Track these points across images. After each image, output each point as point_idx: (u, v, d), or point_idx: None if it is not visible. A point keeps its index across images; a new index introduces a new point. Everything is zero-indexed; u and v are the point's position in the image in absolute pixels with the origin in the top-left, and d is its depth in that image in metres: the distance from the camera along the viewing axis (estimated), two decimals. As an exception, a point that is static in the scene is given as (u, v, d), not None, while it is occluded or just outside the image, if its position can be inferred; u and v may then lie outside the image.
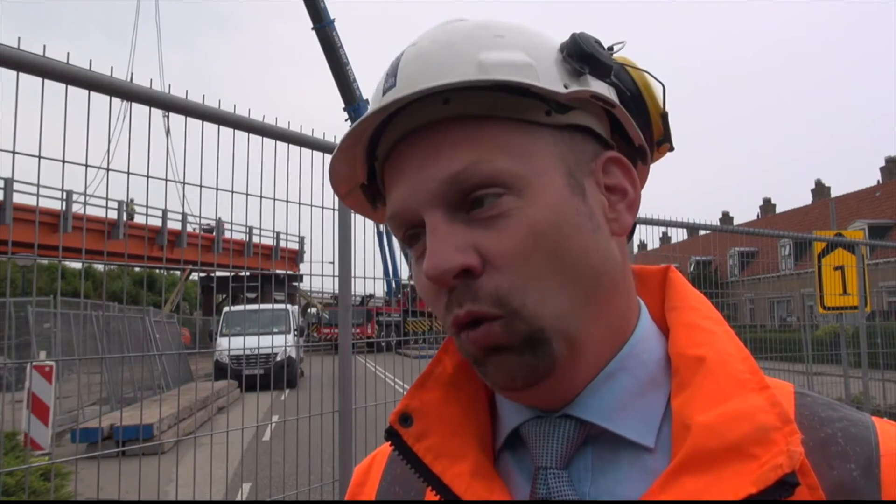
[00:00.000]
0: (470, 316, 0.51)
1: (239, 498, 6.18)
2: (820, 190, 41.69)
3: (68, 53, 2.02)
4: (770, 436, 0.47)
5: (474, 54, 0.51)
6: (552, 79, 0.52)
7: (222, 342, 10.60)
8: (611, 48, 0.59)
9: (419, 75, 0.52)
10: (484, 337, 0.51)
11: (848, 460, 0.49)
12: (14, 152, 1.97)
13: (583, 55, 0.53)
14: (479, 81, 0.49)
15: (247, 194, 2.63)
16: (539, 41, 0.55)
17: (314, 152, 2.82)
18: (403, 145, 0.53)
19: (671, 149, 0.63)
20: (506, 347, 0.51)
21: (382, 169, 0.56)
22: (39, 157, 2.01)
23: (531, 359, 0.50)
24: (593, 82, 0.54)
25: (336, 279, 3.01)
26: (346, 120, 25.21)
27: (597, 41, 0.55)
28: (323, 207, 2.92)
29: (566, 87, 0.52)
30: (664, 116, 0.59)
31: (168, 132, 2.67)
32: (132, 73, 2.19)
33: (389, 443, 0.58)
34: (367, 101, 25.67)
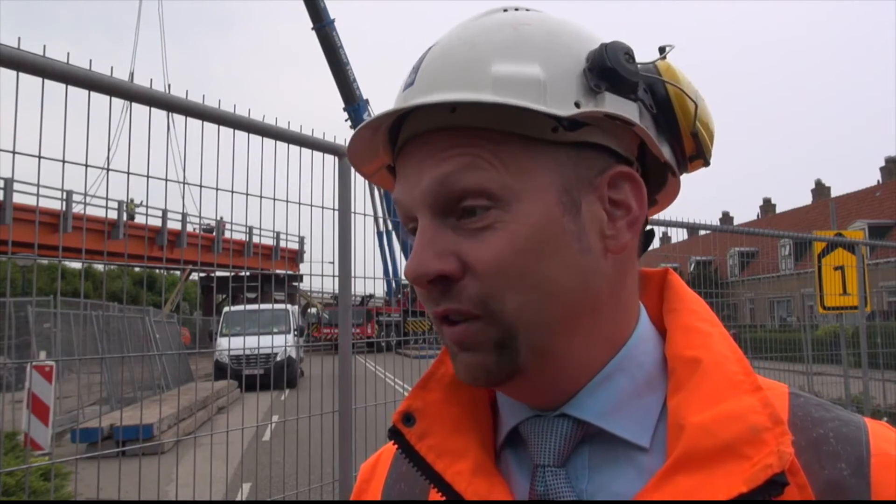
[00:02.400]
0: (447, 312, 0.53)
1: (239, 498, 6.18)
2: (820, 190, 41.67)
3: (68, 53, 2.02)
4: (761, 436, 0.48)
5: (488, 64, 0.52)
6: (564, 96, 0.52)
7: (222, 342, 10.61)
8: (662, 49, 0.59)
9: (434, 79, 0.54)
10: (461, 334, 0.53)
11: (839, 460, 0.50)
12: (14, 152, 1.97)
13: (604, 71, 0.53)
14: (480, 102, 0.50)
15: (247, 194, 2.63)
16: (565, 49, 0.54)
17: (314, 152, 2.82)
18: (411, 144, 0.55)
19: (706, 164, 0.62)
20: (476, 347, 0.53)
21: (397, 158, 0.58)
22: (39, 157, 2.00)
23: (493, 361, 0.53)
24: (612, 99, 0.53)
25: (336, 279, 3.01)
26: (345, 120, 25.25)
27: (627, 52, 0.54)
28: (323, 207, 2.91)
29: (578, 105, 0.52)
30: (695, 135, 0.58)
31: (170, 125, 2.66)
32: (132, 73, 2.19)
33: (393, 442, 0.60)
34: (366, 100, 25.84)
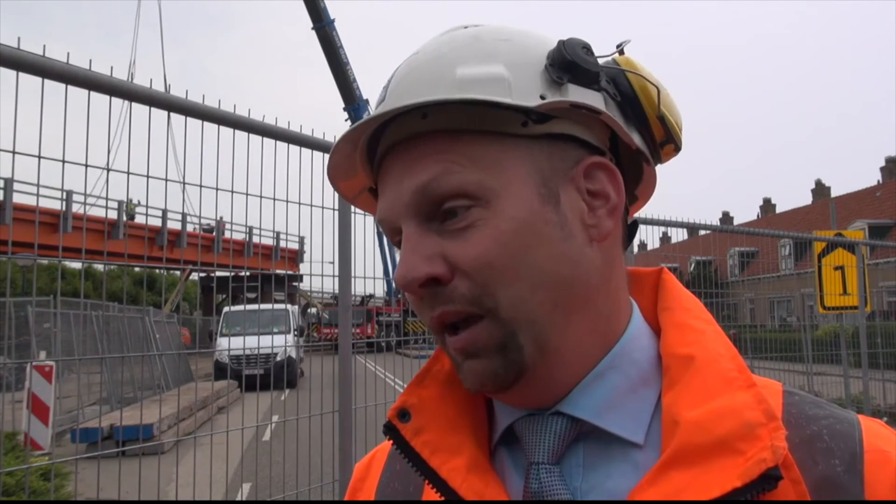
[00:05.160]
0: (444, 317, 0.53)
1: (239, 498, 6.18)
2: (820, 190, 41.66)
3: (68, 53, 2.02)
4: (755, 432, 0.48)
5: (453, 69, 0.54)
6: (528, 91, 0.53)
7: (222, 342, 10.61)
8: (620, 45, 0.61)
9: (403, 90, 0.55)
10: (465, 341, 0.53)
11: (832, 456, 0.50)
12: (14, 152, 1.97)
13: (565, 64, 0.54)
14: (447, 100, 0.51)
15: (247, 194, 2.63)
16: (527, 50, 0.56)
17: (314, 152, 2.82)
18: (389, 157, 0.56)
19: (677, 149, 0.63)
20: (481, 352, 0.53)
21: (378, 176, 0.59)
22: (39, 157, 2.00)
23: (500, 365, 0.53)
24: (576, 90, 0.54)
25: (336, 279, 3.01)
26: (345, 120, 25.23)
27: (585, 47, 0.56)
28: (323, 207, 2.92)
29: (543, 97, 0.53)
30: (661, 118, 0.59)
31: (170, 125, 2.66)
32: (133, 74, 2.19)
33: (388, 438, 0.60)
34: (367, 100, 25.81)
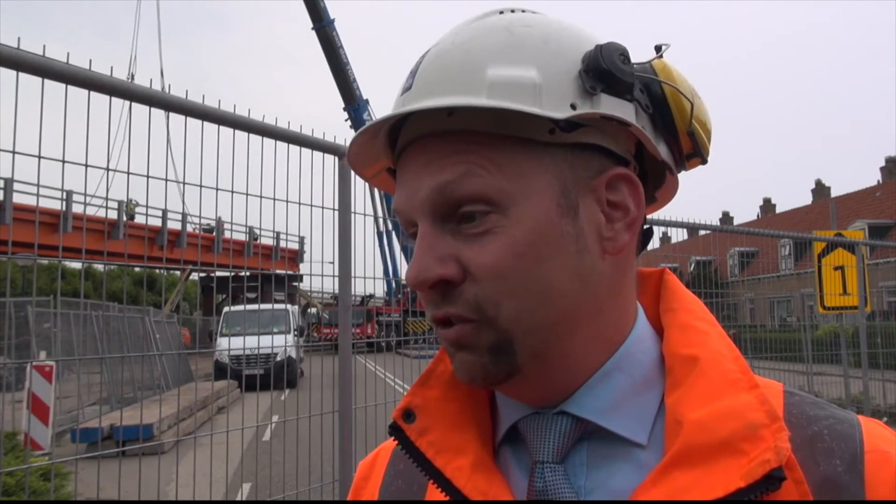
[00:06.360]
0: (448, 316, 0.54)
1: (239, 498, 6.18)
2: (820, 190, 41.67)
3: (68, 53, 2.02)
4: (759, 432, 0.49)
5: (483, 68, 0.52)
6: (559, 99, 0.52)
7: (222, 342, 10.61)
8: (658, 48, 0.60)
9: (431, 83, 0.54)
10: (454, 335, 0.54)
11: (833, 456, 0.51)
12: (14, 152, 1.97)
13: (599, 73, 0.53)
14: (475, 106, 0.50)
15: (247, 194, 2.63)
16: (561, 51, 0.54)
17: (314, 152, 2.82)
18: (410, 149, 0.56)
19: (703, 162, 0.63)
20: (472, 347, 0.54)
21: (397, 162, 0.58)
22: (39, 157, 2.00)
23: (491, 363, 0.54)
24: (608, 100, 0.53)
25: (336, 279, 3.01)
26: (345, 120, 25.26)
27: (622, 53, 0.54)
28: (323, 207, 2.91)
29: (574, 106, 0.52)
30: (691, 133, 0.59)
31: (169, 125, 2.67)
32: (133, 74, 2.19)
33: (393, 438, 0.60)
34: (367, 100, 25.81)
